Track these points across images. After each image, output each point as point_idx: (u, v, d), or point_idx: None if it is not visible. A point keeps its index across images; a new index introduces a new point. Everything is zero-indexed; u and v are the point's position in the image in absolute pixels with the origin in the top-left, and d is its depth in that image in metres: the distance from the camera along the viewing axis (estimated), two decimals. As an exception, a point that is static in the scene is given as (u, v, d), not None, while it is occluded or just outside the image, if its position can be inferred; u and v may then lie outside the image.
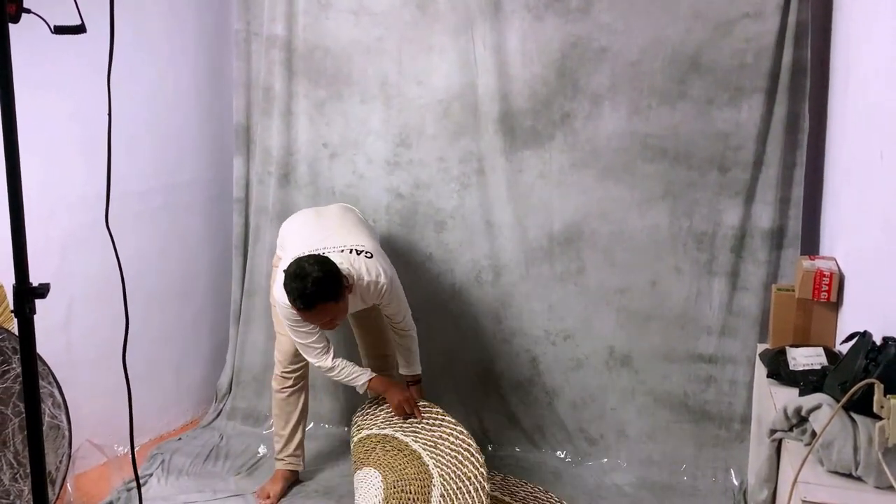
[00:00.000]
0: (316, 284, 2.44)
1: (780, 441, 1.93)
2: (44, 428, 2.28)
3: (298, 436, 2.99)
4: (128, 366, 1.72)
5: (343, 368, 2.76)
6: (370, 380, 2.77)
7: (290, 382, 2.94)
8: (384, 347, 3.06)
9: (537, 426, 3.26)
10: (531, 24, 3.02)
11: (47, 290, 1.41)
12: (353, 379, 2.77)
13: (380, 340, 3.06)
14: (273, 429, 3.06)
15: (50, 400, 2.57)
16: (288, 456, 2.98)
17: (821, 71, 2.87)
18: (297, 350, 2.86)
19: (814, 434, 1.74)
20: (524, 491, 2.91)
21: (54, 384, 2.59)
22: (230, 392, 3.50)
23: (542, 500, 2.84)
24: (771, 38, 2.82)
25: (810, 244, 2.92)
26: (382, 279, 2.67)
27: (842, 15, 2.70)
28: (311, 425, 3.37)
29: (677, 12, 2.89)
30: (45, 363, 2.53)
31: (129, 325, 1.71)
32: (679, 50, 2.90)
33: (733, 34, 2.85)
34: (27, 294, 1.38)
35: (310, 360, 2.76)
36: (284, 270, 2.52)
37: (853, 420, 1.69)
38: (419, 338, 3.33)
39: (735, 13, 2.84)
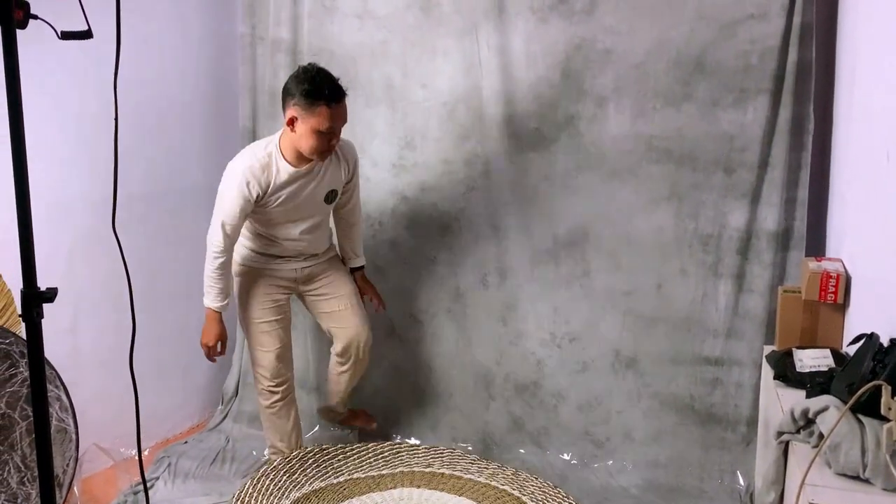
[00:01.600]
0: (331, 75, 2.54)
1: (787, 443, 1.92)
2: (51, 431, 2.29)
3: (297, 445, 3.00)
4: (135, 369, 1.73)
5: (222, 275, 2.69)
6: (212, 309, 2.74)
7: (278, 396, 2.93)
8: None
9: (543, 429, 3.25)
10: (535, 26, 3.02)
11: (55, 295, 1.42)
12: (207, 290, 2.73)
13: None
14: (269, 442, 3.04)
15: (57, 403, 2.57)
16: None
17: (826, 72, 2.86)
18: (279, 361, 2.89)
19: (821, 436, 1.73)
20: (534, 486, 2.92)
21: (61, 388, 2.60)
22: (236, 395, 3.51)
23: (552, 495, 2.84)
24: (776, 40, 2.81)
25: (816, 246, 2.91)
26: (354, 146, 2.85)
27: (847, 16, 2.70)
28: (317, 428, 3.38)
29: (682, 14, 2.88)
30: (52, 367, 2.54)
31: (136, 329, 1.72)
32: (684, 52, 2.90)
33: (738, 36, 2.84)
34: (35, 298, 1.38)
35: (210, 239, 2.68)
36: (297, 71, 2.56)
37: (861, 422, 1.68)
38: (424, 340, 3.35)
39: (740, 14, 2.83)
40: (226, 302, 2.76)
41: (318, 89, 2.47)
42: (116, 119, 1.63)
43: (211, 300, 2.74)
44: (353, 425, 3.29)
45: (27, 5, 1.33)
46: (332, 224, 3.02)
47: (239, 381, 3.51)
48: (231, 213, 2.61)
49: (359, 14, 3.19)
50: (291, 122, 2.53)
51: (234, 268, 2.86)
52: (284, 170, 2.61)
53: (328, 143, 2.54)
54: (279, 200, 2.64)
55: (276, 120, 3.31)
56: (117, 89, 1.62)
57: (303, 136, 2.53)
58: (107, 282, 2.91)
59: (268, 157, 2.60)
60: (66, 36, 1.44)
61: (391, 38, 3.17)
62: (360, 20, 3.19)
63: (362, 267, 3.06)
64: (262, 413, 2.99)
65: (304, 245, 2.84)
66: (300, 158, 2.61)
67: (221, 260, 2.68)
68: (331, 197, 2.76)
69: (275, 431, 2.98)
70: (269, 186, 2.60)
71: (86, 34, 1.46)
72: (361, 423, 3.28)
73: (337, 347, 3.00)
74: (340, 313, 2.95)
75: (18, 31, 1.36)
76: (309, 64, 2.58)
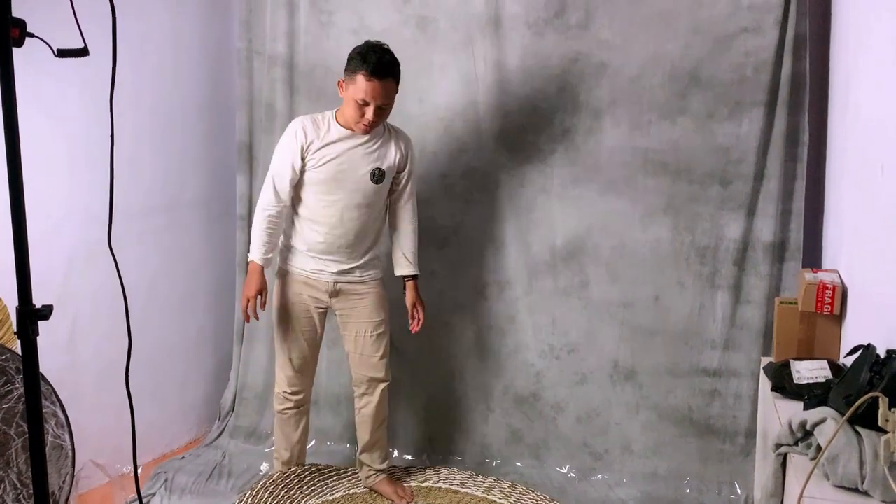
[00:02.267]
0: (393, 57, 2.61)
1: (785, 455, 1.92)
2: (47, 448, 2.28)
3: (299, 458, 3.01)
4: (131, 384, 1.72)
5: (271, 230, 2.72)
6: (255, 262, 2.73)
7: (291, 404, 2.94)
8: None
9: (542, 441, 3.24)
10: (531, 40, 3.04)
11: (50, 312, 1.41)
12: (252, 242, 2.75)
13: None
14: (275, 447, 3.06)
15: (53, 420, 2.56)
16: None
17: (820, 84, 2.88)
18: (297, 371, 2.88)
19: (819, 448, 1.73)
20: (531, 499, 2.91)
21: (57, 404, 2.59)
22: (233, 410, 3.49)
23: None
24: (770, 52, 2.83)
25: (812, 257, 2.91)
26: (409, 137, 2.85)
27: (840, 29, 2.72)
28: (313, 442, 3.36)
29: (676, 28, 2.90)
30: (48, 383, 2.54)
31: (133, 344, 1.72)
32: (678, 65, 2.92)
33: (732, 49, 2.86)
34: (30, 316, 1.38)
35: (261, 197, 2.74)
36: (360, 46, 2.63)
37: (858, 434, 1.68)
38: (423, 352, 3.33)
39: (734, 28, 2.85)
40: (269, 256, 2.75)
41: (364, 59, 2.56)
42: (112, 135, 1.63)
43: (254, 252, 2.75)
44: (380, 492, 3.01)
45: (23, 24, 1.34)
46: (375, 249, 2.90)
47: (236, 396, 3.50)
48: (281, 167, 2.70)
49: (355, 29, 3.20)
50: (341, 86, 2.66)
51: (276, 268, 2.88)
52: (335, 129, 2.70)
53: (362, 116, 2.61)
54: (325, 160, 2.67)
55: (272, 134, 3.32)
56: (113, 105, 1.63)
57: (345, 102, 2.64)
58: (104, 296, 2.91)
59: (322, 116, 2.74)
60: (63, 54, 1.45)
61: (387, 53, 3.18)
62: (356, 35, 3.20)
63: (413, 277, 2.93)
64: (274, 418, 3.01)
65: (346, 235, 2.74)
66: (350, 126, 2.70)
67: (268, 213, 2.72)
68: (377, 176, 2.72)
69: (281, 438, 2.98)
70: (318, 138, 2.68)
71: (82, 52, 1.47)
72: (389, 496, 2.98)
73: (353, 377, 2.98)
74: (358, 341, 2.89)
75: (14, 49, 1.36)
76: (375, 41, 2.65)
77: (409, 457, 3.33)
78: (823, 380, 2.18)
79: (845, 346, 2.36)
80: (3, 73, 1.33)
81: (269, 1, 3.26)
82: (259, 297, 2.74)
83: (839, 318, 2.42)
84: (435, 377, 3.33)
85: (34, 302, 1.42)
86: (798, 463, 1.81)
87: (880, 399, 1.58)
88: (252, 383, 3.46)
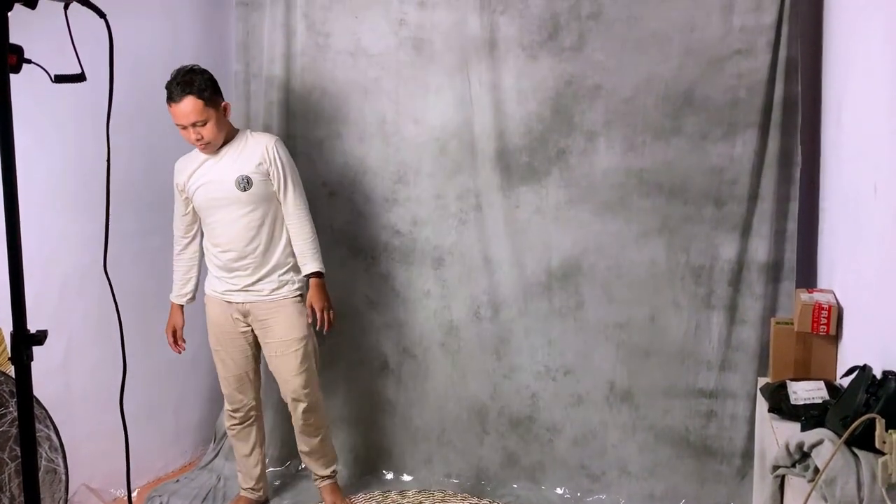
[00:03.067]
0: (190, 72, 2.64)
1: (783, 477, 1.91)
2: (40, 472, 2.26)
3: (257, 469, 3.05)
4: (126, 407, 1.71)
5: (178, 268, 2.95)
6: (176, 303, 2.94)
7: (236, 421, 3.00)
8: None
9: (538, 463, 3.23)
10: (526, 62, 3.06)
11: (45, 337, 1.41)
12: (175, 284, 2.96)
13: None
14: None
15: (47, 443, 2.54)
16: (249, 489, 3.06)
17: (813, 106, 2.90)
18: (232, 388, 2.95)
19: (817, 470, 1.72)
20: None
21: (51, 427, 2.57)
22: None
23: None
24: (762, 74, 2.85)
25: (806, 277, 2.92)
26: (275, 138, 2.84)
27: (831, 51, 2.74)
28: (302, 465, 3.34)
29: (669, 50, 2.93)
30: (42, 406, 2.52)
31: (128, 367, 1.71)
32: (672, 86, 2.94)
33: (725, 70, 2.89)
34: (25, 341, 1.37)
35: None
36: None
37: (856, 456, 1.67)
38: (417, 374, 3.32)
39: (726, 50, 2.88)
40: (183, 292, 2.95)
41: (167, 89, 2.66)
42: (109, 159, 1.64)
43: (174, 293, 2.98)
44: (323, 497, 3.09)
45: (21, 50, 1.35)
46: (282, 265, 2.88)
47: (231, 418, 3.48)
48: (174, 208, 2.91)
49: (351, 51, 3.22)
50: None
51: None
52: (198, 156, 2.81)
53: (192, 138, 2.69)
54: (196, 187, 2.79)
55: (269, 156, 3.33)
56: (110, 128, 1.63)
57: None
58: (99, 319, 2.90)
59: (195, 149, 2.83)
60: (60, 79, 1.46)
61: (384, 75, 3.21)
62: (352, 57, 3.23)
63: (317, 274, 2.88)
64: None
65: (238, 250, 2.80)
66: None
67: (175, 251, 2.94)
68: (243, 183, 2.75)
69: (236, 454, 3.06)
70: (187, 171, 2.81)
71: (79, 77, 1.47)
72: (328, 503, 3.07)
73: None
74: (273, 360, 2.91)
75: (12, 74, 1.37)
76: (183, 66, 2.71)
77: (405, 478, 3.31)
78: (820, 400, 2.17)
79: (842, 367, 2.36)
80: (0, 98, 1.34)
81: (267, 23, 3.29)
82: (175, 333, 2.92)
83: (835, 339, 2.42)
84: (429, 398, 3.32)
85: (29, 327, 1.42)
86: (796, 485, 1.80)
87: (877, 420, 1.58)
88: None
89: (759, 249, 2.94)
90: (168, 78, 2.68)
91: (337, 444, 3.36)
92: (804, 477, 1.80)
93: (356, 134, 3.26)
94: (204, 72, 2.70)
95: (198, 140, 2.69)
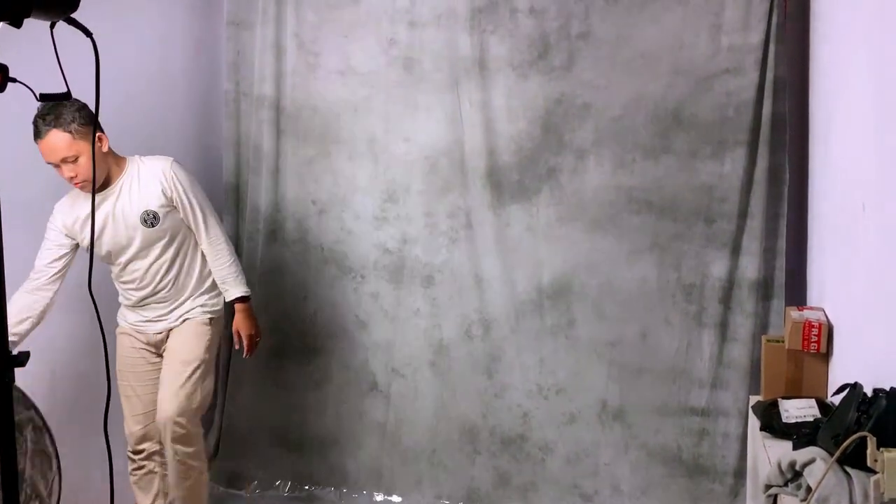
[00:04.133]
0: (52, 106, 2.31)
1: (775, 496, 1.90)
2: (28, 456, 2.18)
3: None
4: (110, 431, 1.69)
5: (16, 302, 2.44)
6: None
7: (135, 465, 2.76)
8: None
9: (530, 483, 3.20)
10: (516, 81, 3.07)
11: (27, 359, 1.39)
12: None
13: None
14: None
15: (29, 425, 2.40)
16: None
17: (801, 124, 2.93)
18: (144, 428, 2.71)
19: (809, 489, 1.71)
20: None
21: (32, 409, 2.37)
22: (216, 454, 3.43)
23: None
24: (751, 93, 2.88)
25: (796, 294, 2.93)
26: (170, 161, 2.60)
27: (819, 70, 2.76)
28: (297, 485, 3.31)
29: (658, 69, 2.95)
30: (18, 390, 2.34)
31: (112, 390, 1.69)
32: (661, 105, 2.96)
33: (714, 89, 2.91)
34: (7, 363, 1.35)
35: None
36: None
37: (848, 474, 1.66)
38: (407, 393, 3.29)
39: (715, 69, 2.90)
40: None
41: (33, 125, 2.39)
42: (94, 180, 1.62)
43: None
44: None
45: (6, 69, 1.34)
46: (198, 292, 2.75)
47: (220, 439, 3.44)
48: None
49: (341, 71, 3.23)
50: None
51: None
52: (86, 198, 2.49)
53: (66, 175, 2.45)
54: (97, 230, 2.53)
55: (259, 175, 3.33)
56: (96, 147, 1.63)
57: None
58: (85, 341, 2.86)
59: (77, 193, 2.56)
60: (45, 98, 1.45)
61: (374, 94, 3.21)
62: (342, 76, 3.24)
63: (242, 299, 2.77)
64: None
65: (145, 286, 2.64)
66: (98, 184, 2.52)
67: (23, 287, 2.51)
68: (149, 219, 2.56)
69: (139, 501, 2.77)
70: (84, 215, 2.49)
71: (64, 96, 1.46)
72: None
73: None
74: (162, 382, 2.65)
75: (-4, 93, 1.36)
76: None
77: (395, 499, 3.28)
78: (812, 419, 2.17)
79: (833, 385, 2.35)
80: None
81: (257, 43, 3.29)
82: None
83: (826, 357, 2.42)
84: (420, 418, 3.29)
85: (10, 349, 1.40)
86: (788, 504, 1.79)
87: (868, 439, 1.57)
88: (237, 426, 3.41)
89: (749, 267, 2.94)
90: (158, 96, 2.61)
91: (326, 466, 3.34)
92: (797, 496, 1.79)
93: (346, 152, 3.26)
94: (75, 103, 2.36)
95: (72, 178, 2.43)
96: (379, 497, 3.28)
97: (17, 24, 1.33)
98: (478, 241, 3.19)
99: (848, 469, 1.67)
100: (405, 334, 3.26)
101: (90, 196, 2.36)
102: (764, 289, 2.95)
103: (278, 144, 3.31)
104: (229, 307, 2.85)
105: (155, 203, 2.58)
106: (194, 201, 2.64)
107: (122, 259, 2.62)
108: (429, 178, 3.20)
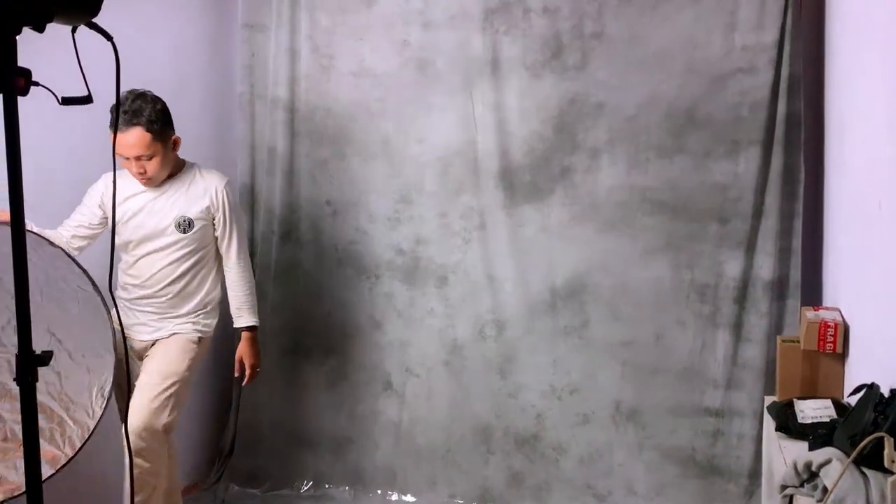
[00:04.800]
0: (140, 99, 2.38)
1: (791, 497, 1.89)
2: (78, 308, 2.09)
3: None
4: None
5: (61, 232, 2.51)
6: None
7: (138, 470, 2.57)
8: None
9: (544, 483, 3.20)
10: (529, 81, 3.08)
11: (50, 358, 1.41)
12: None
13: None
14: None
15: (71, 275, 2.15)
16: None
17: (815, 123, 2.91)
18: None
19: (825, 490, 1.71)
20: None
21: (73, 263, 2.18)
22: (232, 453, 3.46)
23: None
24: (765, 92, 2.87)
25: (812, 294, 2.92)
26: (225, 181, 2.64)
27: (833, 68, 2.75)
28: (311, 484, 3.33)
29: (672, 68, 2.94)
30: (56, 245, 2.21)
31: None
32: (675, 105, 2.95)
33: (728, 88, 2.90)
34: (30, 362, 1.38)
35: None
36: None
37: (865, 475, 1.66)
38: (421, 393, 3.29)
39: (729, 68, 2.89)
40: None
41: (112, 118, 2.34)
42: (115, 180, 1.64)
43: None
44: None
45: (29, 73, 1.36)
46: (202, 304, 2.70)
47: (235, 438, 3.46)
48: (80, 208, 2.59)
49: (355, 72, 3.25)
50: None
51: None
52: (133, 183, 2.56)
53: (133, 170, 2.48)
54: (127, 216, 2.54)
55: (274, 176, 3.35)
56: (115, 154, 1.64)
57: None
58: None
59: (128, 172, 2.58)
60: (67, 101, 1.47)
61: (387, 96, 3.22)
62: (356, 78, 3.25)
63: (249, 328, 2.76)
64: None
65: (147, 287, 2.59)
66: None
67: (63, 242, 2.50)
68: (184, 224, 2.57)
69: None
70: (125, 196, 2.55)
71: (86, 99, 1.48)
72: None
73: None
74: (137, 390, 2.51)
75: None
76: (133, 90, 2.47)
77: (409, 498, 3.29)
78: (828, 419, 2.16)
79: (849, 385, 2.35)
80: (7, 122, 1.35)
81: (272, 46, 3.31)
82: None
83: (842, 357, 2.41)
84: (434, 418, 3.30)
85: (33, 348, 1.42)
86: (804, 505, 1.79)
87: (886, 439, 1.57)
88: (252, 424, 3.43)
89: (764, 267, 2.94)
90: (174, 99, 2.61)
91: (340, 465, 3.35)
92: (813, 497, 1.78)
93: (360, 154, 3.28)
94: (156, 100, 2.47)
95: (140, 174, 2.48)
96: (393, 496, 3.29)
97: (40, 28, 1.35)
98: (491, 241, 3.19)
99: (865, 470, 1.67)
100: (419, 334, 3.27)
101: (139, 184, 2.50)
102: (779, 289, 2.94)
103: (293, 146, 3.33)
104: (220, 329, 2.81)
105: (195, 213, 2.59)
106: (234, 225, 2.67)
107: (139, 252, 2.60)
108: (442, 179, 3.21)
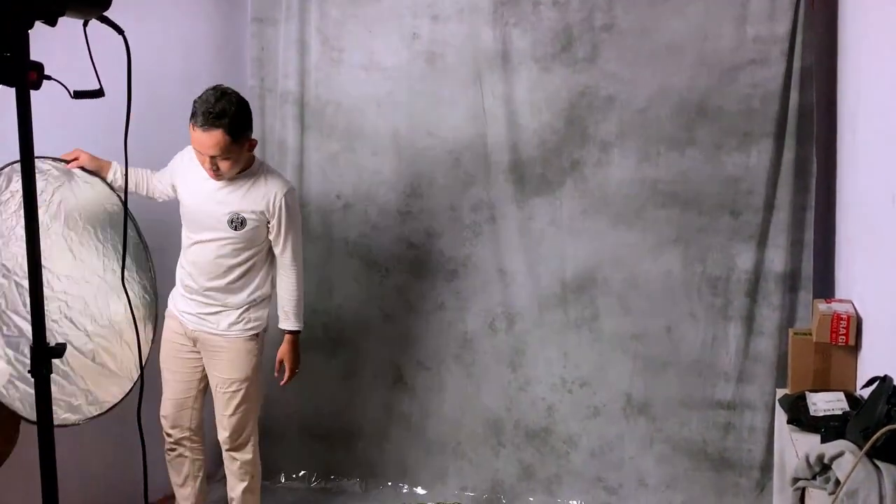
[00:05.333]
0: (225, 99, 2.42)
1: (803, 490, 1.89)
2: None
3: (189, 501, 2.84)
4: (143, 421, 1.72)
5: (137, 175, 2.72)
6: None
7: (168, 446, 2.80)
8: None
9: (554, 476, 3.21)
10: (539, 74, 3.07)
11: (63, 350, 1.42)
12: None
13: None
14: None
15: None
16: None
17: (828, 115, 2.90)
18: (173, 408, 2.75)
19: (838, 482, 1.70)
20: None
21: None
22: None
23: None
24: (777, 84, 2.85)
25: (824, 287, 2.90)
26: (289, 185, 2.68)
27: (846, 60, 2.73)
28: (322, 477, 3.34)
29: (683, 60, 2.93)
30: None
31: (144, 381, 1.72)
32: (686, 97, 2.94)
33: (739, 80, 2.88)
34: (45, 354, 1.39)
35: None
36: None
37: (877, 468, 1.65)
38: (432, 386, 3.29)
39: (740, 60, 2.88)
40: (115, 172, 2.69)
41: (194, 109, 2.45)
42: (126, 174, 1.65)
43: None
44: None
45: (41, 67, 1.37)
46: (247, 303, 2.70)
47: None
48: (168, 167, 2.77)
49: (365, 66, 3.25)
50: None
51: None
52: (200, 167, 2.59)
53: (207, 166, 2.51)
54: (185, 191, 2.65)
55: (284, 170, 3.35)
56: (128, 144, 1.65)
57: None
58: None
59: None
60: (79, 95, 1.48)
61: (397, 89, 3.22)
62: (366, 71, 3.25)
63: (293, 332, 2.78)
64: None
65: (204, 277, 2.64)
66: None
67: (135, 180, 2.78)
68: (236, 222, 2.58)
69: (171, 481, 2.85)
70: (194, 177, 2.62)
71: (97, 93, 1.49)
72: None
73: None
74: (213, 393, 2.74)
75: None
76: (218, 86, 2.52)
77: (420, 491, 3.30)
78: (840, 412, 2.15)
79: (861, 378, 2.34)
80: (21, 114, 1.36)
81: (281, 39, 3.32)
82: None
83: (854, 349, 2.40)
84: (445, 411, 3.31)
85: (48, 340, 1.43)
86: (816, 497, 1.79)
87: (898, 432, 1.56)
88: (263, 417, 3.43)
89: (776, 259, 2.92)
90: (183, 92, 2.61)
91: (352, 458, 3.37)
92: (825, 489, 1.78)
93: (370, 147, 3.28)
94: (240, 101, 2.49)
95: (213, 170, 2.51)
96: (404, 489, 3.30)
97: (52, 22, 1.36)
98: (501, 234, 3.19)
99: (877, 462, 1.66)
100: (430, 327, 3.28)
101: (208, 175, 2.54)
102: (791, 281, 2.93)
103: (303, 139, 3.33)
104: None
105: (249, 213, 2.59)
106: (289, 232, 2.66)
107: (194, 237, 2.63)
108: (452, 172, 3.21)
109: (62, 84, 1.46)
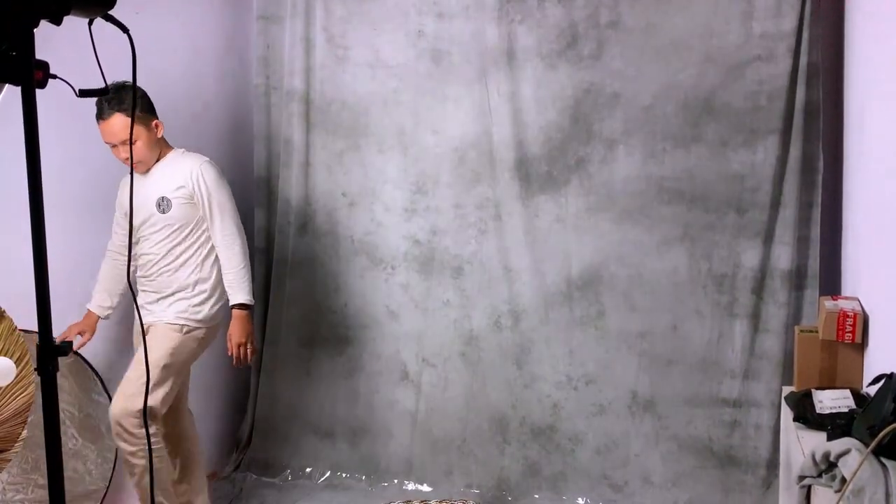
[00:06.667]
0: (121, 89, 2.46)
1: (809, 487, 1.88)
2: None
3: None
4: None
5: (106, 278, 2.75)
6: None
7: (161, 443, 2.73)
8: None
9: (560, 473, 3.21)
10: (544, 72, 3.07)
11: (69, 348, 1.43)
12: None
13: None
14: None
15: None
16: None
17: (834, 111, 2.88)
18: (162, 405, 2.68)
19: (844, 480, 1.70)
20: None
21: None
22: (249, 443, 3.49)
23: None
24: (783, 80, 2.84)
25: (830, 284, 2.89)
26: (203, 160, 2.72)
27: (853, 56, 2.72)
28: (328, 473, 3.35)
29: (689, 57, 2.92)
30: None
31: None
32: (692, 94, 2.93)
33: (746, 77, 2.87)
34: (51, 353, 1.39)
35: None
36: None
37: (884, 465, 1.65)
38: (437, 384, 3.30)
39: (746, 56, 2.87)
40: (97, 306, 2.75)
41: (96, 106, 2.56)
42: (132, 171, 1.66)
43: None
44: None
45: (47, 65, 1.37)
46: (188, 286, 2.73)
47: (253, 428, 3.49)
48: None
49: (371, 64, 3.25)
50: None
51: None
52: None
53: (121, 156, 2.59)
54: (124, 201, 2.67)
55: (290, 168, 3.36)
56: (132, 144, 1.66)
57: None
58: (122, 330, 2.92)
59: None
60: (84, 94, 1.49)
61: (402, 87, 3.22)
62: (371, 69, 3.25)
63: (242, 306, 2.75)
64: None
65: (143, 264, 2.71)
66: None
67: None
68: (162, 205, 2.65)
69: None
70: (123, 187, 2.74)
71: (103, 91, 1.50)
72: None
73: None
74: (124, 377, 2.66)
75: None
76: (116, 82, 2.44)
77: (425, 488, 3.30)
78: (846, 409, 2.14)
79: (868, 375, 2.32)
80: (27, 113, 1.36)
81: (287, 37, 3.32)
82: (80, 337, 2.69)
83: (861, 347, 2.39)
84: (450, 408, 3.31)
85: (54, 339, 1.44)
86: (822, 495, 1.78)
87: (905, 430, 1.56)
88: (269, 415, 3.46)
89: (782, 257, 2.91)
90: (189, 90, 2.64)
91: (357, 455, 3.37)
92: (831, 487, 1.77)
93: (375, 145, 3.28)
94: (135, 89, 2.52)
95: (127, 160, 2.51)
96: (409, 486, 3.31)
97: (58, 21, 1.37)
98: (507, 232, 3.19)
99: (884, 460, 1.66)
100: (435, 325, 3.28)
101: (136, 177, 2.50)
102: (797, 278, 2.92)
103: (308, 138, 3.34)
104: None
105: (172, 192, 2.67)
106: (214, 202, 2.70)
107: (139, 234, 2.71)
108: (458, 170, 3.21)
109: (68, 83, 1.46)
